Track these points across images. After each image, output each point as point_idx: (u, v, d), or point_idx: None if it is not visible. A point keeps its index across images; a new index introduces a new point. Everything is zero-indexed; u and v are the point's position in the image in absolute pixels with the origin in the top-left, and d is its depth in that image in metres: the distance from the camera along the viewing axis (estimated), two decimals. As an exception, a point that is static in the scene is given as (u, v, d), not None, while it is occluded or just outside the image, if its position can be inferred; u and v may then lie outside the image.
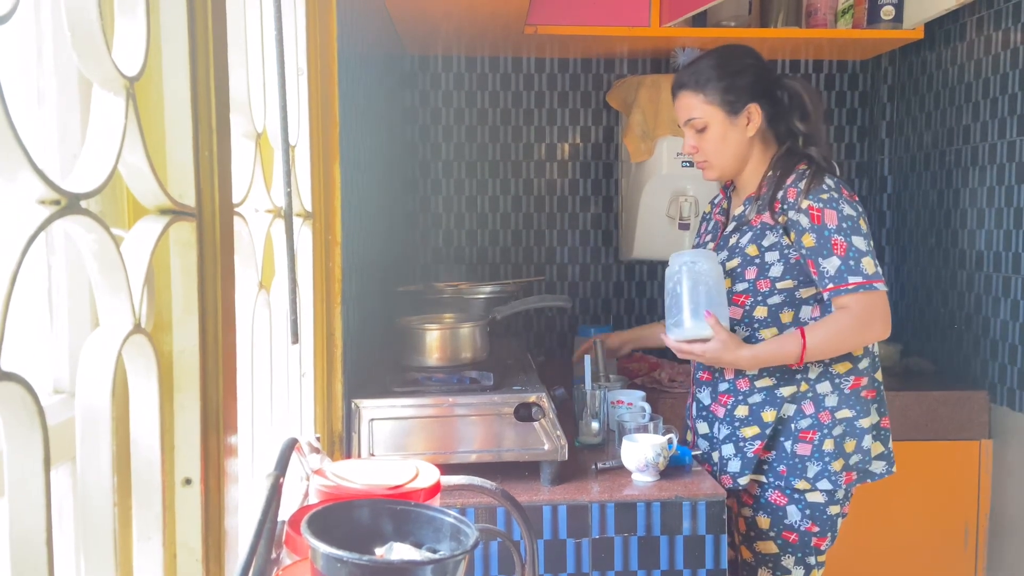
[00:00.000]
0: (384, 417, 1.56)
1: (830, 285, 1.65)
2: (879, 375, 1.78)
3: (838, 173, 1.75)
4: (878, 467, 1.77)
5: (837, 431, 1.71)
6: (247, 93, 1.10)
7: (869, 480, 1.75)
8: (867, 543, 2.53)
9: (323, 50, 1.53)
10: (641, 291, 3.07)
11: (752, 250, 1.73)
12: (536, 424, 1.58)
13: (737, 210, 1.82)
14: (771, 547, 1.74)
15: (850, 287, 1.63)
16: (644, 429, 1.78)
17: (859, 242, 1.64)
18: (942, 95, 2.76)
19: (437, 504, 0.88)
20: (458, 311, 2.02)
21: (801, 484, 1.70)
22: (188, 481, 0.84)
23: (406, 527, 0.77)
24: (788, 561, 1.74)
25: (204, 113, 0.86)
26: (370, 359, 1.91)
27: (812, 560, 1.74)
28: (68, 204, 0.65)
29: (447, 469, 1.03)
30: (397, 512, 0.78)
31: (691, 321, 1.68)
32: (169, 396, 0.83)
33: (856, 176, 3.10)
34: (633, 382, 2.52)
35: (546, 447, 1.58)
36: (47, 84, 0.76)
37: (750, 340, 1.74)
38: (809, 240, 1.66)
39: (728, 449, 1.77)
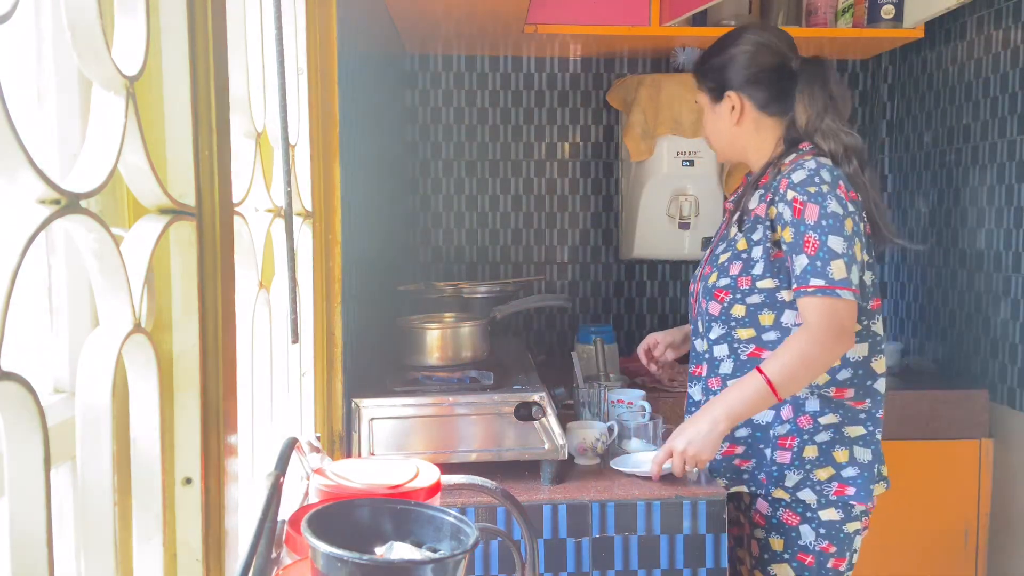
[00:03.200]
0: (384, 416, 1.56)
1: (796, 285, 1.53)
2: (879, 386, 1.64)
3: (851, 168, 1.61)
4: (879, 489, 1.66)
5: (821, 437, 1.60)
6: (247, 93, 1.10)
7: (868, 502, 1.60)
8: (867, 543, 2.53)
9: (323, 50, 1.53)
10: (641, 290, 3.07)
11: (741, 243, 1.64)
12: (536, 423, 1.58)
13: (746, 199, 1.71)
14: (787, 571, 1.63)
15: (809, 290, 1.50)
16: (644, 428, 1.79)
17: (835, 243, 1.50)
18: (942, 94, 2.75)
19: (437, 503, 0.88)
20: (458, 310, 2.02)
21: (779, 493, 1.61)
22: (188, 481, 0.84)
23: (406, 526, 0.77)
24: None
25: (204, 113, 0.86)
26: (370, 358, 1.91)
27: None
28: (68, 204, 0.65)
29: (447, 468, 1.03)
30: (397, 511, 0.78)
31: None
32: (169, 396, 0.83)
33: (856, 175, 3.09)
34: (633, 381, 2.52)
35: (546, 446, 1.58)
36: (47, 84, 0.76)
37: (726, 339, 1.65)
38: (788, 235, 1.54)
39: None
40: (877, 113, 3.06)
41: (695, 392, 1.76)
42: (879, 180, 3.03)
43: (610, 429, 1.75)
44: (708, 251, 1.77)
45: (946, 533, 2.52)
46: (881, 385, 1.65)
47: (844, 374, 1.61)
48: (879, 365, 1.64)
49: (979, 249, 2.56)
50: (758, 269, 1.60)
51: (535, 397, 1.58)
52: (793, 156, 1.63)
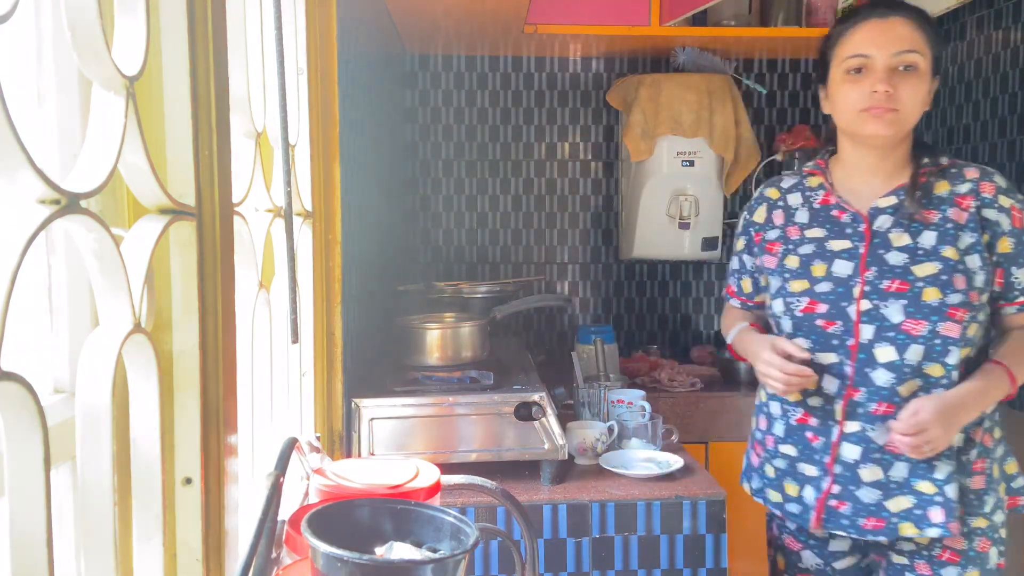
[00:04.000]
0: (384, 416, 1.56)
1: (1021, 299, 1.44)
2: None
3: None
4: None
5: (998, 453, 1.50)
6: (247, 93, 1.10)
7: None
8: (867, 542, 2.53)
9: (323, 50, 1.53)
10: (641, 290, 3.07)
11: (951, 252, 1.42)
12: (536, 423, 1.58)
13: (881, 201, 1.49)
14: None
15: None
16: (644, 428, 1.79)
17: None
18: (942, 94, 2.75)
19: (437, 503, 0.88)
20: (458, 310, 2.02)
21: (979, 523, 1.45)
22: (188, 481, 0.84)
23: (406, 526, 0.77)
24: None
25: (204, 113, 0.86)
26: (370, 358, 1.91)
27: None
28: (68, 204, 0.65)
29: (447, 468, 1.03)
30: (397, 511, 0.78)
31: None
32: (169, 396, 0.83)
33: (856, 175, 3.09)
34: (633, 381, 2.52)
35: (546, 446, 1.58)
36: (47, 84, 0.76)
37: (968, 363, 1.44)
38: (1006, 245, 1.43)
39: (927, 486, 1.43)
40: (877, 113, 3.06)
41: (880, 436, 1.43)
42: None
43: (610, 429, 1.75)
44: (849, 262, 1.48)
45: (946, 533, 2.51)
46: None
47: None
48: None
49: (979, 249, 2.56)
50: (979, 281, 1.43)
51: (535, 397, 1.58)
52: (946, 160, 1.51)
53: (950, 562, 1.45)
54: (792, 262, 1.54)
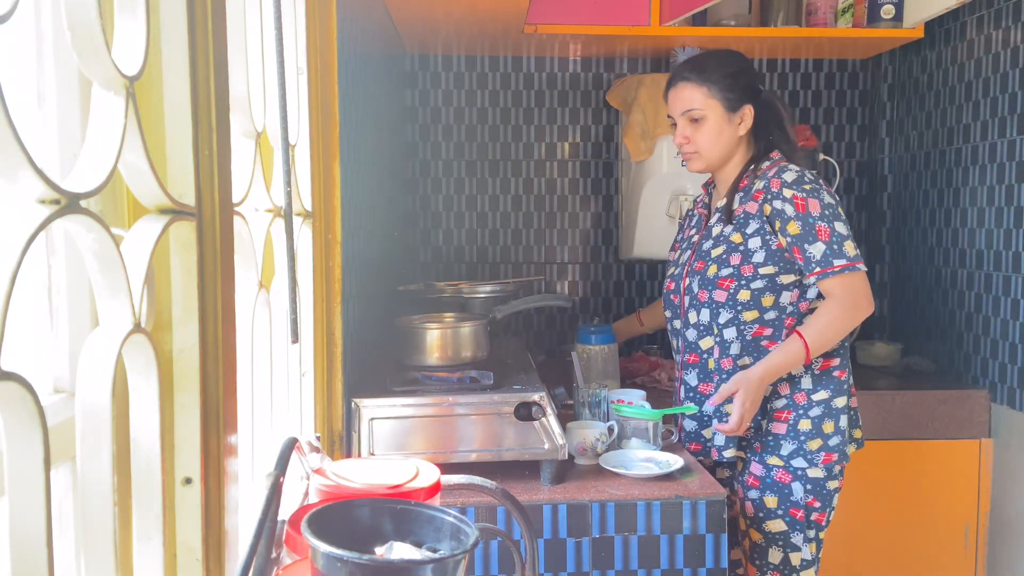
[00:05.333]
0: (384, 416, 1.56)
1: (816, 269, 1.75)
2: (846, 351, 1.87)
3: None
4: (851, 449, 1.87)
5: (814, 412, 1.81)
6: (247, 93, 1.10)
7: (845, 462, 1.83)
8: (867, 542, 2.53)
9: (323, 50, 1.53)
10: (641, 290, 3.07)
11: (736, 237, 1.84)
12: (536, 423, 1.58)
13: (719, 203, 1.93)
14: (780, 525, 1.81)
15: (835, 270, 1.74)
16: (644, 429, 1.79)
17: (840, 227, 1.76)
18: (942, 94, 2.75)
19: (437, 503, 0.88)
20: (458, 310, 2.02)
21: (773, 460, 1.81)
22: (188, 481, 0.84)
23: (406, 526, 0.77)
24: (797, 538, 1.81)
25: (204, 113, 0.86)
26: (370, 358, 1.91)
27: (813, 534, 1.82)
28: (68, 204, 0.65)
29: (447, 468, 1.03)
30: (397, 511, 0.78)
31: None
32: (169, 396, 0.83)
33: (856, 175, 3.10)
34: (633, 382, 2.52)
35: (546, 446, 1.58)
36: (47, 84, 0.76)
37: (734, 322, 1.83)
38: (794, 228, 1.77)
39: (707, 432, 1.88)
40: (877, 113, 3.06)
41: (691, 379, 1.92)
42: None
43: (610, 429, 1.75)
44: (687, 252, 1.97)
45: (946, 533, 2.52)
46: (848, 350, 1.88)
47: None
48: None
49: (979, 249, 2.56)
50: (758, 257, 1.81)
51: (535, 397, 1.58)
52: (768, 163, 1.88)
53: (752, 486, 1.85)
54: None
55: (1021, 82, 2.36)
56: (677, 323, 1.97)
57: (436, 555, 0.72)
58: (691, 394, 1.91)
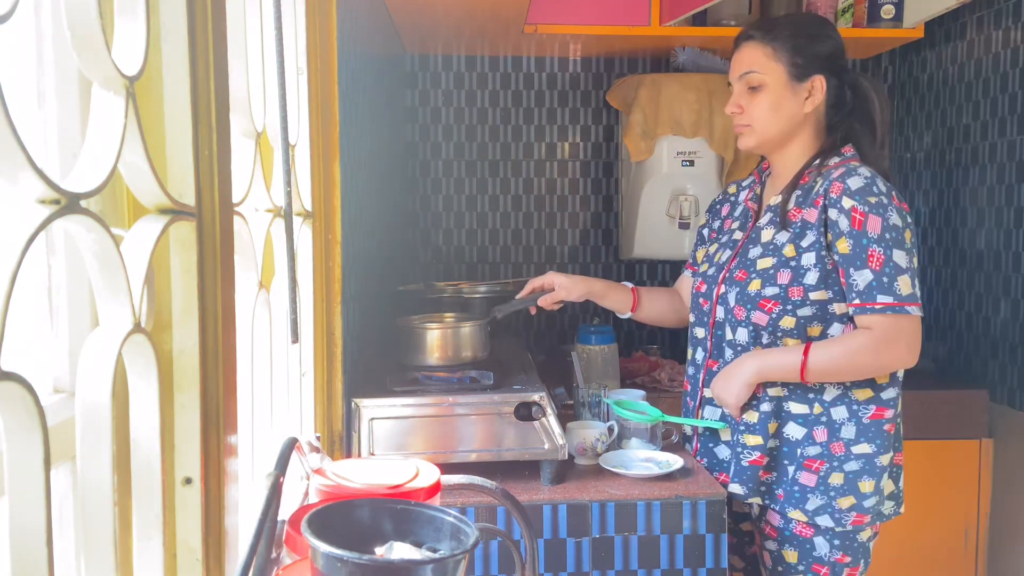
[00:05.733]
0: (384, 416, 1.56)
1: (856, 300, 1.48)
2: (899, 406, 1.60)
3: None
4: (888, 508, 1.61)
5: (850, 466, 1.55)
6: (247, 93, 1.10)
7: (879, 522, 1.59)
8: (867, 542, 2.53)
9: (323, 50, 1.53)
10: (641, 290, 3.07)
11: (789, 250, 1.55)
12: (536, 423, 1.58)
13: (773, 199, 1.64)
14: None
15: (877, 307, 1.45)
16: (644, 429, 1.79)
17: (900, 257, 1.46)
18: (942, 94, 2.75)
19: (437, 503, 0.88)
20: (458, 310, 2.02)
21: (796, 515, 1.57)
22: (188, 481, 0.84)
23: (406, 526, 0.77)
24: None
25: (204, 113, 0.86)
26: (370, 358, 1.91)
27: None
28: (68, 204, 0.65)
29: (447, 468, 1.03)
30: (397, 511, 0.78)
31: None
32: (169, 396, 0.83)
33: (856, 175, 3.09)
34: (633, 381, 2.52)
35: (546, 446, 1.58)
36: (47, 84, 0.76)
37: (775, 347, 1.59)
38: (844, 246, 1.48)
39: (723, 451, 1.68)
40: (877, 113, 3.06)
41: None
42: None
43: (610, 429, 1.75)
44: (726, 251, 1.69)
45: (946, 533, 2.52)
46: (900, 398, 1.61)
47: (889, 393, 1.57)
48: (900, 374, 1.62)
49: (979, 249, 2.56)
50: (811, 278, 1.52)
51: (535, 397, 1.58)
52: (837, 160, 1.58)
53: (769, 536, 1.63)
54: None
55: (1021, 82, 2.36)
56: (701, 332, 1.72)
57: (436, 555, 0.72)
58: (715, 405, 1.69)
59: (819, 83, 1.58)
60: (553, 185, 3.03)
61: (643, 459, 1.71)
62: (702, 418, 1.72)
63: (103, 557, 0.73)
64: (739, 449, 1.63)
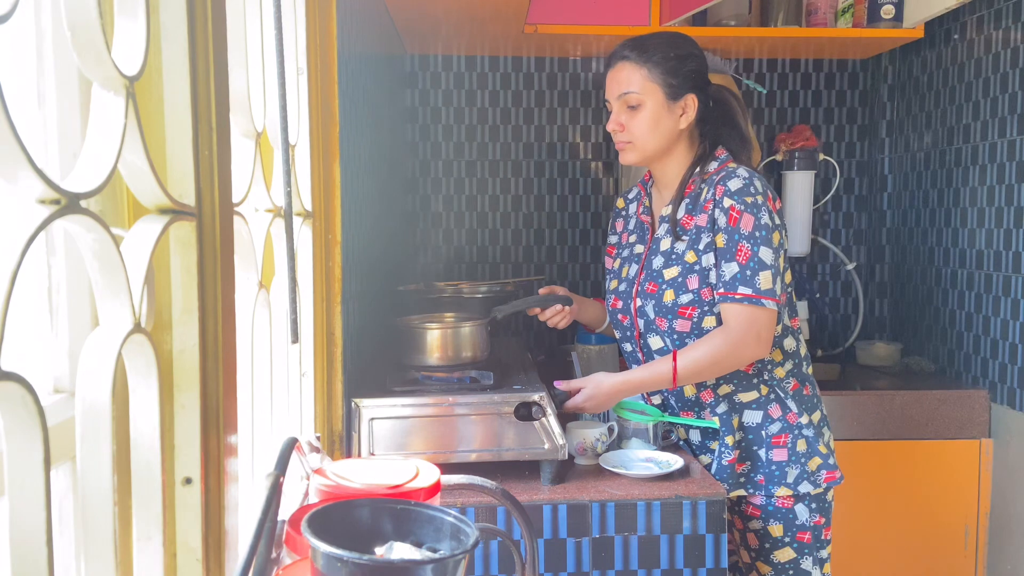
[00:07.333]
0: (384, 416, 1.56)
1: (721, 289, 1.61)
2: (810, 370, 1.78)
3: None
4: (832, 460, 1.74)
5: (806, 432, 1.70)
6: (247, 93, 1.10)
7: (838, 475, 1.72)
8: (867, 543, 2.53)
9: (323, 50, 1.53)
10: (641, 290, 3.07)
11: (690, 256, 1.67)
12: (536, 423, 1.58)
13: (664, 210, 1.76)
14: (789, 553, 1.70)
15: (736, 297, 1.59)
16: (644, 429, 1.79)
17: (766, 254, 1.59)
18: (942, 94, 2.75)
19: (437, 503, 0.88)
20: (458, 310, 2.02)
21: (781, 491, 1.68)
22: (188, 481, 0.84)
23: (406, 526, 0.77)
24: (807, 563, 1.70)
25: (204, 113, 0.86)
26: (370, 359, 1.91)
27: (824, 553, 1.72)
28: (68, 204, 0.65)
29: (447, 468, 1.03)
30: (397, 511, 0.78)
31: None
32: (169, 396, 0.83)
33: (856, 175, 3.10)
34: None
35: (546, 446, 1.58)
36: (47, 84, 0.76)
37: None
38: (720, 240, 1.62)
39: (704, 457, 1.78)
40: (877, 113, 3.06)
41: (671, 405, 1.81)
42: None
43: (610, 429, 1.75)
44: (632, 265, 1.79)
45: (946, 533, 2.52)
46: (809, 368, 1.78)
47: (788, 367, 1.73)
48: (802, 348, 1.77)
49: (979, 249, 2.56)
50: (715, 278, 1.64)
51: (535, 397, 1.58)
52: (716, 164, 1.71)
53: (752, 516, 1.72)
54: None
55: (1021, 82, 2.36)
56: (629, 346, 1.83)
57: (436, 555, 0.72)
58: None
59: (691, 101, 1.70)
60: (553, 185, 3.03)
61: (643, 459, 1.71)
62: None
63: (103, 557, 0.73)
64: (722, 450, 1.72)
